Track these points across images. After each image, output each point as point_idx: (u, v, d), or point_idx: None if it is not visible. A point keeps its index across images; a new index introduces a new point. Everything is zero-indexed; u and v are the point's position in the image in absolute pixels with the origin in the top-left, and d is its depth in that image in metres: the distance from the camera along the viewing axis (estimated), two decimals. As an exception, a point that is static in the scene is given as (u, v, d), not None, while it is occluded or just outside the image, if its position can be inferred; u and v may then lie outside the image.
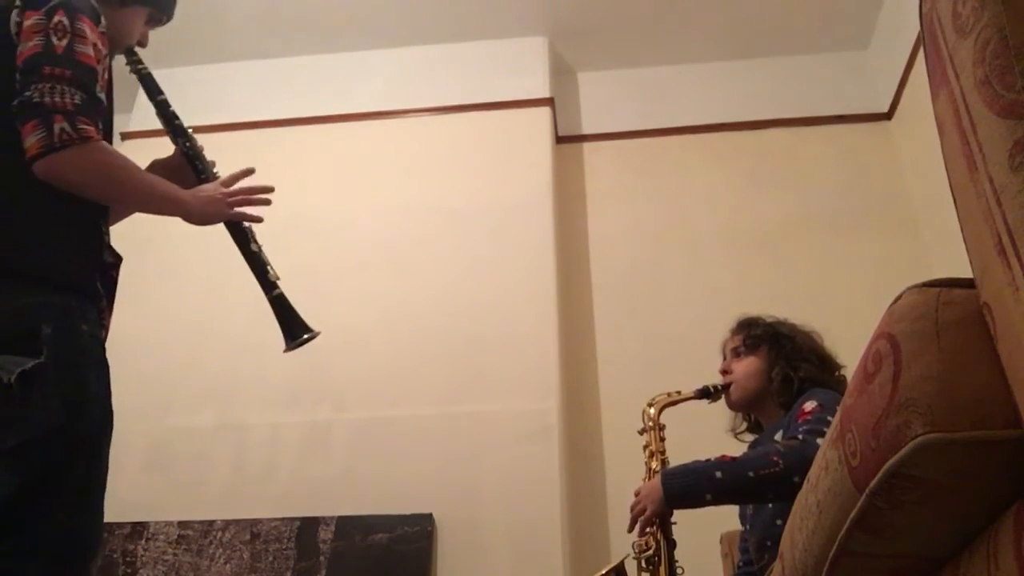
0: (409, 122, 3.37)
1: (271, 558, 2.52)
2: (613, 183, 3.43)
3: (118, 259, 1.47)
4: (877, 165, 3.29)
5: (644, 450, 1.86)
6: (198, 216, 1.50)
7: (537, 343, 2.86)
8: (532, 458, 2.64)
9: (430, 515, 2.55)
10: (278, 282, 1.60)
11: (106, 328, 1.42)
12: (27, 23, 1.32)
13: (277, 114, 3.40)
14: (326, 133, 3.37)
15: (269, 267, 1.61)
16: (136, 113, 3.18)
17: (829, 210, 3.21)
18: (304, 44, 3.50)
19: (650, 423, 1.88)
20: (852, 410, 0.72)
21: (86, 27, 1.34)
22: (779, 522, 1.53)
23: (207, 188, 1.55)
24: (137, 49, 1.67)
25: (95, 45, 1.35)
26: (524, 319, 2.89)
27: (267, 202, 1.61)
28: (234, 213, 1.55)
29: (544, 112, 3.34)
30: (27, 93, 1.27)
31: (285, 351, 1.61)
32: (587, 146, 3.53)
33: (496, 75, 3.42)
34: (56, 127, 1.26)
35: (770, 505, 1.61)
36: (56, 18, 1.32)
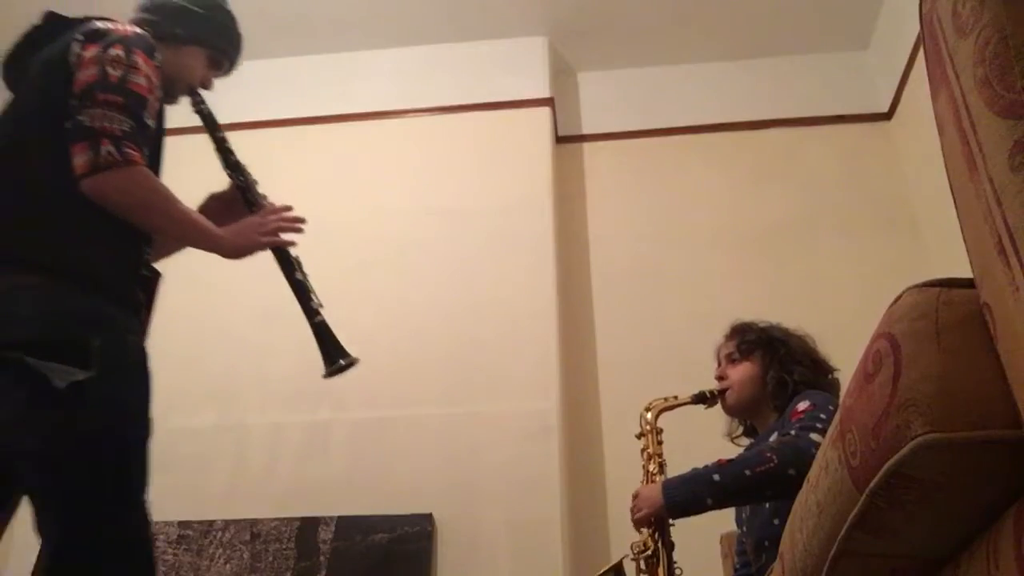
0: (409, 122, 3.37)
1: (271, 558, 2.52)
2: (613, 183, 3.42)
3: (156, 274, 1.56)
4: (877, 165, 3.28)
5: (642, 453, 1.87)
6: (230, 249, 1.55)
7: (537, 343, 2.85)
8: (532, 458, 2.63)
9: (430, 515, 2.55)
10: (321, 309, 1.65)
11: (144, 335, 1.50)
12: (86, 54, 1.42)
13: (277, 114, 3.40)
14: (326, 133, 3.37)
15: (313, 295, 1.66)
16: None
17: (829, 210, 3.21)
18: (304, 44, 3.50)
19: (647, 427, 1.89)
20: (852, 410, 0.72)
21: (140, 59, 1.44)
22: (776, 521, 1.53)
23: (243, 221, 1.62)
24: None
25: (148, 77, 1.44)
26: (524, 319, 2.89)
27: (300, 230, 1.67)
28: (265, 243, 1.61)
29: (544, 112, 3.34)
30: (80, 117, 1.36)
31: (325, 376, 1.64)
32: (587, 146, 3.52)
33: (496, 75, 3.42)
34: (103, 149, 1.34)
35: (767, 505, 1.61)
36: (113, 51, 1.42)
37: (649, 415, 1.90)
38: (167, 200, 1.43)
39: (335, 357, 1.63)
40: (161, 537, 2.57)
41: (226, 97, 3.47)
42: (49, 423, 1.26)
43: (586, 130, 3.56)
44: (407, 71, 3.48)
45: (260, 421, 2.81)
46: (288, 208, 1.67)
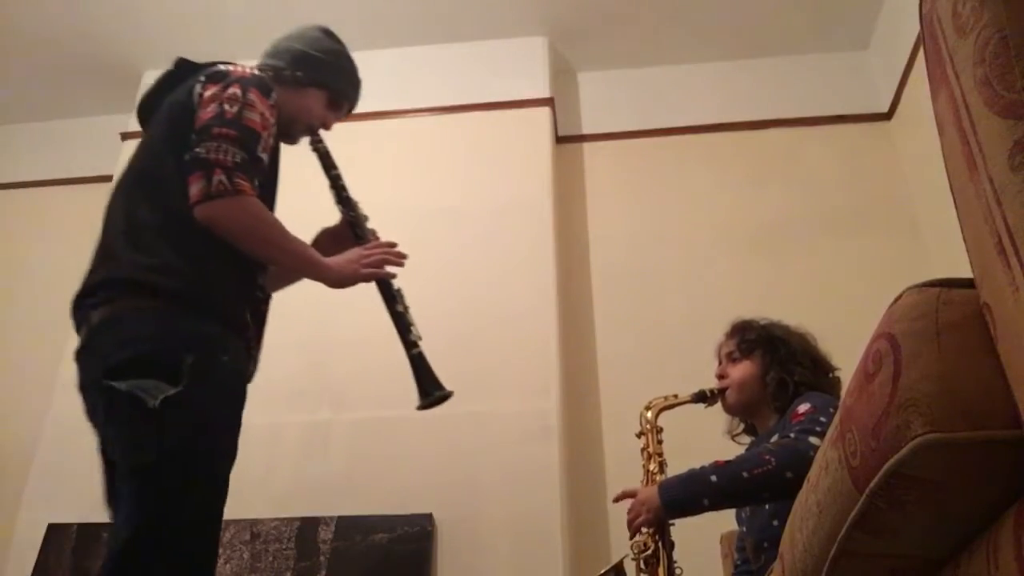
0: (409, 122, 3.37)
1: (271, 558, 2.52)
2: (613, 183, 3.42)
3: (267, 295, 1.62)
4: (877, 165, 3.28)
5: (642, 452, 1.87)
6: (335, 279, 1.63)
7: (537, 343, 2.85)
8: (532, 458, 2.63)
9: (430, 515, 2.55)
10: (419, 342, 1.70)
11: (255, 358, 1.59)
12: (207, 93, 1.54)
13: (277, 114, 3.40)
14: (326, 133, 3.36)
15: (412, 327, 1.72)
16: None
17: (829, 210, 3.21)
18: (304, 44, 3.49)
19: (647, 426, 1.89)
20: (852, 410, 0.72)
21: (255, 98, 1.54)
22: (776, 523, 1.53)
23: (348, 252, 1.69)
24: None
25: (263, 114, 1.54)
26: (524, 319, 2.89)
27: (402, 264, 1.74)
28: (368, 274, 1.68)
29: (544, 112, 3.34)
30: (197, 150, 1.46)
31: (418, 408, 1.68)
32: (587, 146, 3.52)
33: (496, 75, 3.42)
34: (215, 179, 1.43)
35: (766, 506, 1.61)
36: (231, 90, 1.53)
37: (649, 414, 1.90)
38: (274, 229, 1.51)
39: (430, 389, 1.68)
40: (161, 537, 2.57)
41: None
42: (143, 432, 1.33)
43: (586, 130, 3.56)
44: (407, 71, 3.47)
45: (260, 421, 2.79)
46: (393, 244, 1.75)
